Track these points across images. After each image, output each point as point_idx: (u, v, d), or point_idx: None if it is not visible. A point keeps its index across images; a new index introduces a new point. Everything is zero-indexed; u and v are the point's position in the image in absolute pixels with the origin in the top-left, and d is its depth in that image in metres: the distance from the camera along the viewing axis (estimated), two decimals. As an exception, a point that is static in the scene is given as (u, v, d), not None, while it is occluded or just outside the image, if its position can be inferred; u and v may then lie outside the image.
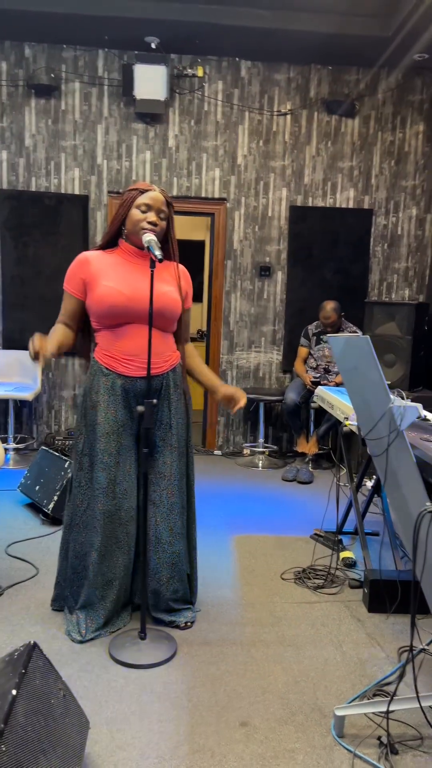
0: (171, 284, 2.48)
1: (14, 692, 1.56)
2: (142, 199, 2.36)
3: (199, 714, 2.06)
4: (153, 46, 4.90)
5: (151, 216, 2.37)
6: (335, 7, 4.49)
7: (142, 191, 2.38)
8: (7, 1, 4.45)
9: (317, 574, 3.13)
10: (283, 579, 3.09)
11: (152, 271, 2.22)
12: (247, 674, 2.29)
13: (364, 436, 2.27)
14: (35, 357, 2.22)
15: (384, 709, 1.95)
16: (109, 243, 2.49)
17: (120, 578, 2.52)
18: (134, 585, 2.64)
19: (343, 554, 3.27)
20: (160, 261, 2.17)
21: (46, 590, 2.87)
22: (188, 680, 2.23)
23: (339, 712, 1.96)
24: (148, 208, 2.36)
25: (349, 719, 2.03)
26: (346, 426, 2.89)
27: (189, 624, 2.59)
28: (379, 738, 1.95)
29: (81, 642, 2.43)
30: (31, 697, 1.62)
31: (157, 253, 2.20)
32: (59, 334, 2.48)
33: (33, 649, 1.75)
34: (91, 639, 2.46)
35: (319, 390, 3.65)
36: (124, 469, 2.46)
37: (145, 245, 2.26)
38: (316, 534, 3.65)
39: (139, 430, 2.47)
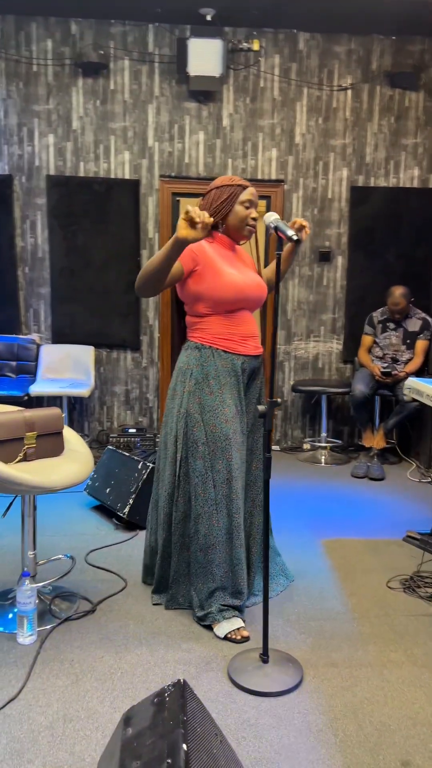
0: (254, 267, 2.63)
1: (185, 747, 1.34)
2: (245, 195, 2.41)
3: (352, 752, 1.82)
4: (208, 18, 4.61)
5: (254, 212, 2.44)
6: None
7: (243, 187, 2.41)
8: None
9: (426, 582, 2.89)
10: (390, 587, 2.86)
11: (279, 254, 2.02)
12: (389, 702, 2.05)
13: None
14: (192, 224, 2.01)
15: None
16: None
17: (241, 563, 2.48)
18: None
19: (449, 559, 3.03)
20: (297, 241, 1.95)
21: (140, 604, 2.65)
22: (326, 710, 2.00)
23: None
24: (251, 204, 2.43)
25: None
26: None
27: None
28: None
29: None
30: (199, 749, 1.39)
31: (290, 232, 1.97)
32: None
33: (185, 688, 1.53)
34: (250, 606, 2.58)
35: (413, 382, 3.39)
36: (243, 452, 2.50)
37: (272, 225, 2.06)
38: (409, 536, 3.40)
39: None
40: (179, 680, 1.55)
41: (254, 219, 2.44)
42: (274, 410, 2.75)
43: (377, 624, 2.54)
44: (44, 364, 4.94)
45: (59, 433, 2.56)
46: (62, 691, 2.07)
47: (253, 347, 2.52)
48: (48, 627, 2.45)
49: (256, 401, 2.59)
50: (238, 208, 2.41)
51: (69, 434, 2.71)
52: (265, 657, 2.19)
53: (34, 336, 5.07)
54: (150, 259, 2.22)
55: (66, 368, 4.96)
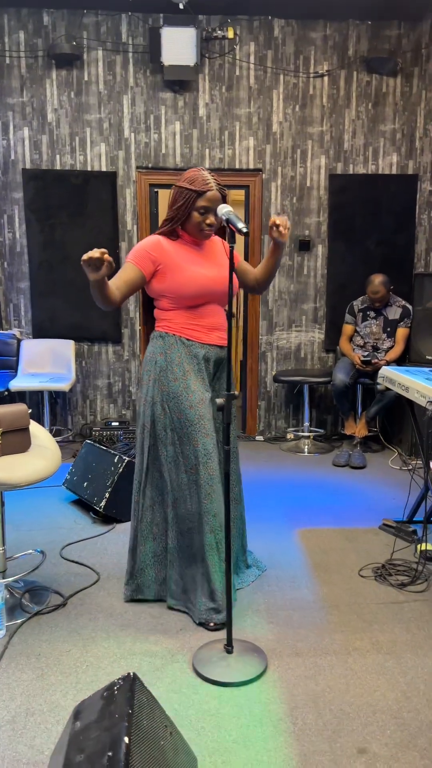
0: (225, 262, 2.57)
1: (127, 740, 1.35)
2: (201, 202, 2.38)
3: (309, 740, 1.84)
4: (181, 6, 4.56)
5: (210, 218, 2.42)
6: None
7: (200, 193, 2.37)
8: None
9: (398, 570, 2.90)
10: (361, 576, 2.87)
11: (232, 247, 2.01)
12: (350, 690, 2.07)
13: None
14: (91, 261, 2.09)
15: None
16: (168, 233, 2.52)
17: (211, 548, 2.47)
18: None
19: (422, 546, 3.04)
20: (246, 234, 1.94)
21: (112, 597, 2.66)
22: (288, 699, 2.02)
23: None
24: (207, 210, 2.40)
25: None
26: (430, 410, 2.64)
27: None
28: None
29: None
30: (143, 742, 1.41)
31: (240, 225, 1.96)
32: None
33: (134, 682, 1.54)
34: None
35: (386, 371, 3.39)
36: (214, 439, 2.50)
37: (224, 218, 2.06)
38: (385, 524, 3.42)
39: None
40: (129, 674, 1.56)
41: (209, 225, 2.42)
42: (242, 403, 2.77)
43: (346, 612, 2.56)
44: (25, 359, 4.93)
45: (26, 430, 2.56)
46: (27, 685, 2.09)
47: (217, 338, 2.53)
48: (18, 621, 2.46)
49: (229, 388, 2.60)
50: (194, 214, 2.40)
51: (37, 430, 2.71)
52: (229, 648, 2.21)
53: (15, 331, 5.06)
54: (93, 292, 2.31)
55: (47, 363, 4.95)
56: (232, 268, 2.00)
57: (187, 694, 2.05)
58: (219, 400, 2.08)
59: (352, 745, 1.82)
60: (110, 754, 1.33)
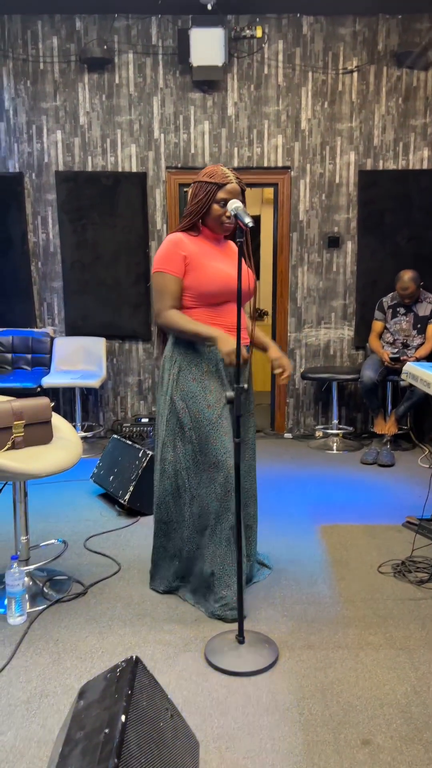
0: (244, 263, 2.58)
1: (123, 718, 1.40)
2: (221, 194, 2.38)
3: (315, 730, 1.86)
4: (209, 7, 4.60)
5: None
6: None
7: (220, 185, 2.38)
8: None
9: (418, 567, 2.88)
10: (380, 572, 2.86)
11: (240, 242, 2.03)
12: (359, 683, 2.08)
13: None
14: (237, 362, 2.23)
15: None
16: (189, 228, 2.51)
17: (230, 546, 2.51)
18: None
19: (444, 544, 3.00)
20: (250, 227, 1.97)
21: (131, 587, 2.73)
22: (296, 690, 2.04)
23: None
24: (227, 202, 2.37)
25: None
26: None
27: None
28: None
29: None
30: (140, 721, 1.45)
31: (247, 220, 1.99)
32: (191, 320, 2.43)
33: (136, 665, 1.59)
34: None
35: (410, 367, 3.35)
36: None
37: (232, 213, 2.09)
38: (409, 522, 3.39)
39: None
40: (132, 657, 1.61)
41: (230, 217, 2.41)
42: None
43: (362, 608, 2.56)
44: (57, 357, 5.06)
45: (48, 422, 2.65)
46: (43, 668, 2.16)
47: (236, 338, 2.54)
48: (40, 608, 2.55)
49: (249, 386, 2.62)
50: (214, 207, 2.39)
51: (60, 423, 2.80)
52: (241, 638, 2.24)
53: (48, 329, 5.19)
54: (182, 324, 2.38)
55: (78, 360, 5.07)
56: (240, 264, 2.02)
57: (197, 681, 2.09)
58: (229, 393, 2.11)
59: (357, 736, 1.83)
60: (107, 731, 1.38)
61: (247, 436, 2.66)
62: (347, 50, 4.91)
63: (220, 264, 2.46)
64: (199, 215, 2.44)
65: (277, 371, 2.51)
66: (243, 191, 2.45)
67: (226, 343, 2.26)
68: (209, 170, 2.43)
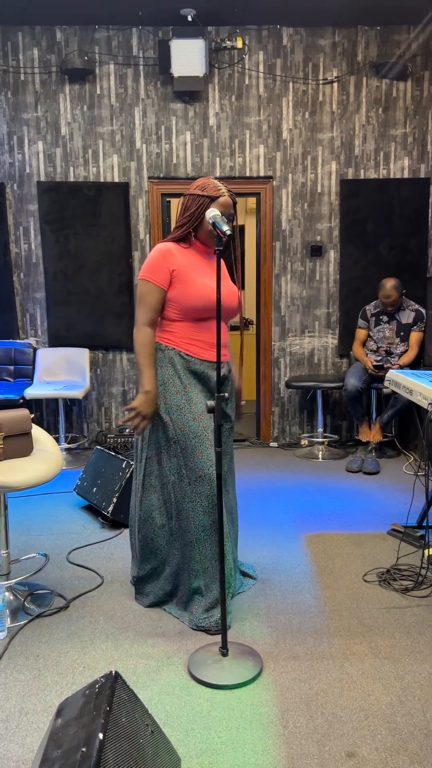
0: (230, 279, 2.63)
1: (101, 736, 1.36)
2: (214, 207, 2.36)
3: (298, 743, 1.83)
4: (189, 18, 4.63)
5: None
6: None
7: (213, 198, 2.38)
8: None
9: (403, 575, 2.87)
10: (366, 581, 2.84)
11: (219, 250, 2.01)
12: (344, 694, 2.06)
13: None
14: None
15: None
16: (180, 239, 2.50)
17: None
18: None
19: (429, 551, 3.00)
20: (230, 236, 1.96)
21: (114, 600, 2.69)
22: (280, 702, 2.01)
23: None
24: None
25: (471, 748, 1.78)
26: (434, 412, 2.61)
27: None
28: None
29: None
30: (119, 738, 1.42)
31: (225, 228, 1.98)
32: (152, 357, 2.46)
33: (116, 680, 1.55)
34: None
35: (392, 374, 3.36)
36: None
37: (210, 221, 2.07)
38: (394, 529, 3.38)
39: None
40: (111, 672, 1.58)
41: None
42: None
43: (347, 617, 2.54)
44: (40, 368, 5.02)
45: (28, 434, 2.61)
46: (23, 685, 2.12)
47: (215, 355, 2.49)
48: (21, 623, 2.50)
49: (231, 402, 2.62)
50: (206, 220, 2.36)
51: (40, 435, 2.76)
52: (224, 650, 2.21)
53: (31, 340, 5.15)
54: (141, 355, 2.44)
55: (62, 371, 5.03)
56: (219, 273, 2.01)
57: (180, 695, 2.06)
58: (210, 402, 2.10)
59: (341, 748, 1.81)
60: (84, 749, 1.35)
61: (229, 449, 2.65)
62: (327, 61, 4.96)
63: (207, 279, 2.43)
64: (191, 228, 2.43)
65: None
66: (234, 204, 2.45)
67: (147, 406, 2.39)
68: (201, 183, 2.42)
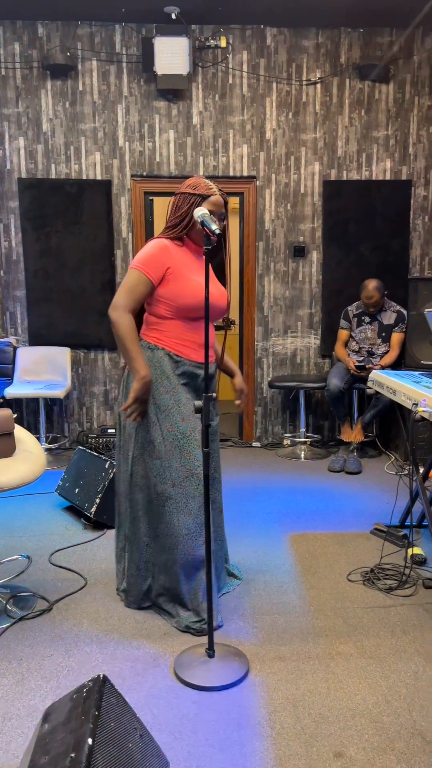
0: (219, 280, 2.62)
1: (90, 741, 1.34)
2: (205, 206, 2.34)
3: (286, 744, 1.83)
4: (173, 16, 4.61)
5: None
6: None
7: (204, 197, 2.36)
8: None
9: (387, 574, 2.88)
10: (350, 581, 2.85)
11: (207, 249, 1.99)
12: (330, 694, 2.06)
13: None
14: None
15: None
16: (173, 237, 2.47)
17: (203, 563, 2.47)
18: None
19: (412, 550, 3.02)
20: (219, 235, 1.95)
21: (98, 602, 2.66)
22: (267, 703, 2.01)
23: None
24: (211, 214, 2.31)
25: (458, 747, 1.79)
26: (419, 412, 2.63)
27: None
28: None
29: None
30: (108, 743, 1.40)
31: (214, 227, 1.97)
32: (138, 342, 2.42)
33: (104, 684, 1.53)
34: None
35: (375, 375, 3.38)
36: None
37: (198, 219, 2.06)
38: (377, 529, 3.40)
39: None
40: (99, 676, 1.56)
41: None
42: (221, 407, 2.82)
43: (332, 617, 2.54)
44: (21, 367, 4.96)
45: (10, 434, 2.57)
46: (6, 689, 2.09)
47: (203, 355, 2.49)
48: (3, 626, 2.46)
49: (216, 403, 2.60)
50: (195, 219, 2.31)
51: (23, 435, 2.72)
52: (210, 652, 2.20)
53: (11, 339, 5.08)
54: (127, 340, 2.35)
55: (42, 370, 4.97)
56: (207, 271, 2.00)
57: (167, 698, 2.04)
58: (197, 403, 2.09)
59: (329, 749, 1.81)
60: (73, 755, 1.33)
61: (214, 447, 2.64)
62: (310, 62, 4.97)
63: (200, 278, 2.42)
64: (183, 226, 2.41)
65: (237, 402, 2.65)
66: (226, 203, 2.43)
67: (146, 391, 2.37)
68: (192, 182, 2.41)
